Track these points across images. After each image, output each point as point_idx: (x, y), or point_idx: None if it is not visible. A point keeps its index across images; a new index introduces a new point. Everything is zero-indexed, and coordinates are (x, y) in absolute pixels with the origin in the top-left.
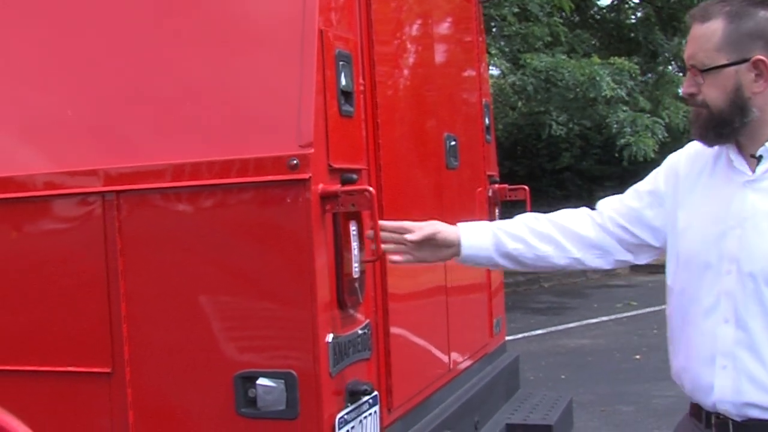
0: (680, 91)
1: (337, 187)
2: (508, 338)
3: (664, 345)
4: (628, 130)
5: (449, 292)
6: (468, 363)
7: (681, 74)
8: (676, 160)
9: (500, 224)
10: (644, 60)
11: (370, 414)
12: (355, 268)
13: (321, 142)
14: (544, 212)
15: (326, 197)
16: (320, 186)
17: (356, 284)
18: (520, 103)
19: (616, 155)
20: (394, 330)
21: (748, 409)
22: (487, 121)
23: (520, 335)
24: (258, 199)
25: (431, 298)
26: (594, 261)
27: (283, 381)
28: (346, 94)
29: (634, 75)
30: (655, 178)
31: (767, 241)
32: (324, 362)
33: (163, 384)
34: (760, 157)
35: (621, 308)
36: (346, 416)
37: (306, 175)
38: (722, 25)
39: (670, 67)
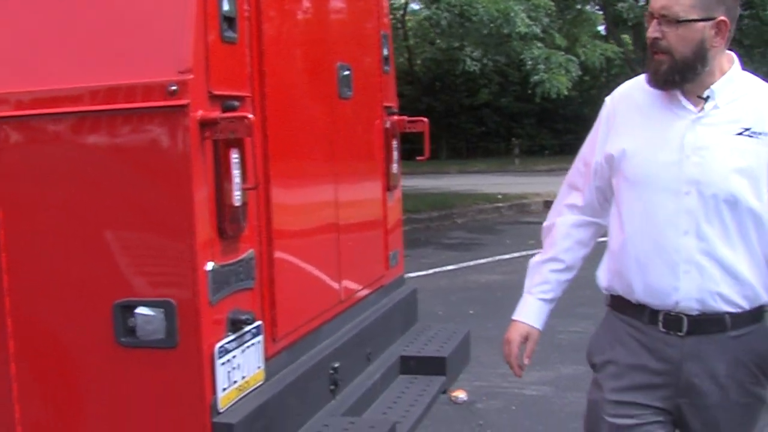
0: (601, 29)
1: (217, 113)
2: (419, 273)
3: (572, 281)
4: (542, 67)
5: (341, 226)
6: (361, 294)
7: (601, 13)
8: (609, 107)
9: (543, 291)
10: None
11: (254, 344)
12: (237, 196)
13: (201, 69)
14: (461, 148)
15: (206, 124)
16: (199, 113)
17: (238, 213)
18: (438, 39)
19: (530, 92)
20: (279, 260)
21: (711, 304)
22: (385, 51)
23: (431, 270)
24: (136, 126)
25: (321, 230)
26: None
27: (162, 310)
28: (229, 20)
29: (549, 12)
30: (598, 132)
31: (722, 166)
32: (203, 291)
33: (44, 313)
34: (707, 97)
35: (534, 245)
36: (226, 345)
37: (184, 101)
38: None
39: (588, 7)
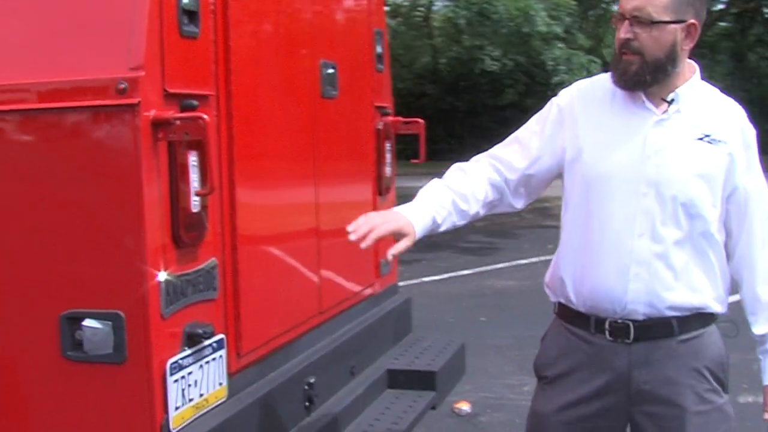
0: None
1: (170, 113)
2: (433, 278)
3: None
4: (563, 68)
5: (322, 232)
6: (345, 305)
7: None
8: (565, 103)
9: (434, 202)
10: None
11: (214, 359)
12: (195, 202)
13: (154, 65)
14: (485, 148)
15: (159, 124)
16: (152, 112)
17: (196, 219)
18: (464, 37)
19: (549, 93)
20: (245, 270)
21: (659, 308)
22: (379, 49)
23: (446, 275)
24: (85, 125)
25: (297, 237)
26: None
27: (110, 323)
28: (190, 14)
29: (571, 11)
30: (545, 125)
31: (683, 169)
32: (154, 303)
33: None
34: (672, 100)
35: (552, 249)
36: (181, 361)
37: (134, 100)
38: None
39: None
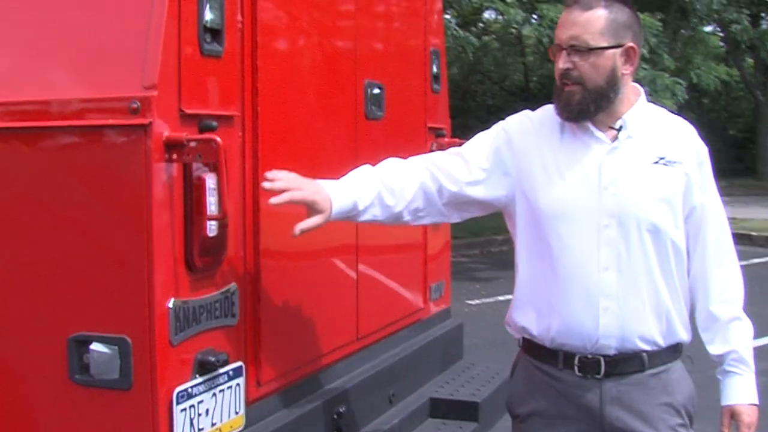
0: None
1: (182, 134)
2: (508, 297)
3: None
4: (647, 89)
5: (362, 256)
6: (388, 330)
7: (720, 34)
8: (514, 131)
9: (360, 187)
10: (674, 18)
11: (230, 387)
12: (211, 226)
13: (170, 85)
14: None
15: (172, 146)
16: (165, 133)
17: (212, 245)
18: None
19: None
20: (267, 296)
21: (630, 341)
22: (435, 69)
23: (504, 297)
24: (97, 145)
25: (331, 262)
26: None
27: (116, 347)
28: (213, 32)
29: (657, 32)
30: (493, 149)
31: (643, 195)
32: (162, 329)
33: (3, 344)
34: (620, 128)
35: None
36: (190, 389)
37: (146, 120)
38: (605, 14)
39: (708, 27)
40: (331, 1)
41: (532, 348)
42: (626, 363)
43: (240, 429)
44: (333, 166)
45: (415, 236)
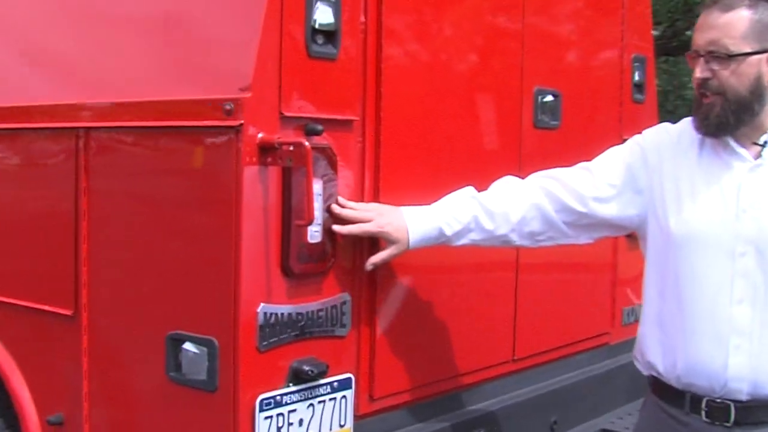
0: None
1: (274, 137)
2: None
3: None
4: None
5: (522, 269)
6: (558, 354)
7: None
8: (649, 145)
9: (449, 212)
10: None
11: (334, 399)
12: (314, 232)
13: (268, 87)
14: None
15: (267, 148)
16: (259, 135)
17: (315, 251)
18: None
19: None
20: (388, 308)
21: (765, 386)
22: (637, 77)
23: None
24: (194, 147)
25: (475, 274)
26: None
27: (206, 349)
28: (327, 34)
29: None
30: (625, 165)
31: None
32: (248, 334)
33: (112, 334)
34: (765, 143)
35: None
36: (279, 397)
37: (237, 122)
38: (748, 15)
39: None
40: (492, 2)
41: (659, 387)
42: (761, 411)
43: None
44: (486, 176)
45: (597, 255)
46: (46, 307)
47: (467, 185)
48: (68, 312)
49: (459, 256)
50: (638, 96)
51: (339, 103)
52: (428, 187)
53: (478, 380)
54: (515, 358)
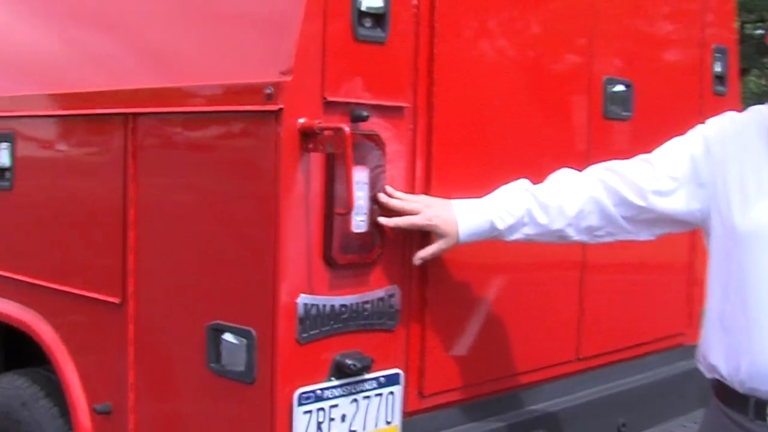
0: None
1: (314, 122)
2: None
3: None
4: None
5: (589, 266)
6: (628, 354)
7: None
8: (714, 135)
9: (501, 205)
10: None
11: (380, 395)
12: (359, 221)
13: (310, 71)
14: None
15: (310, 134)
16: (300, 120)
17: (360, 241)
18: None
19: None
20: (440, 302)
21: None
22: (718, 68)
23: None
24: (235, 132)
25: (534, 270)
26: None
27: (244, 340)
28: (376, 17)
29: None
30: (688, 156)
31: None
32: (287, 326)
33: (156, 324)
34: None
35: None
36: (319, 392)
37: (276, 107)
38: None
39: None
40: None
41: (722, 391)
42: None
43: None
44: (549, 169)
45: (672, 253)
46: (96, 295)
47: (526, 178)
48: (116, 300)
49: (519, 251)
50: (719, 88)
51: (388, 88)
52: (484, 179)
53: (538, 380)
54: (580, 357)
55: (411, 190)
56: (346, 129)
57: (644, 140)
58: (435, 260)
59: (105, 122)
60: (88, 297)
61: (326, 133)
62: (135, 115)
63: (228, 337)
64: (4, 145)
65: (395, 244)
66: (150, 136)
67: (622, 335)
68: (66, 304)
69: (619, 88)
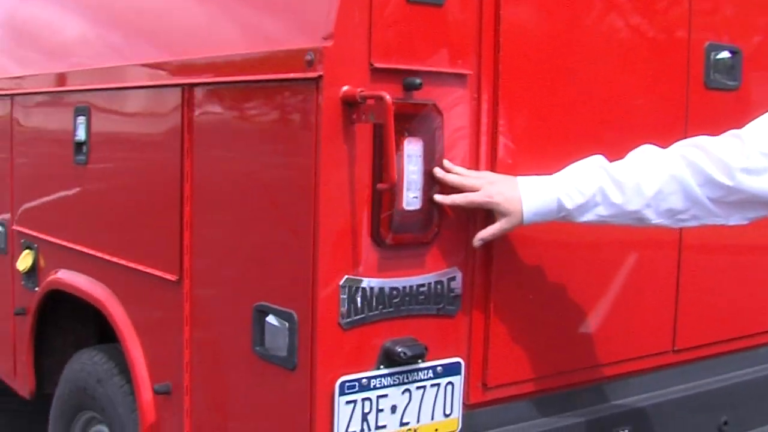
0: None
1: (356, 90)
2: None
3: None
4: None
5: (687, 249)
6: (732, 346)
7: None
8: None
9: (571, 182)
10: None
11: (437, 385)
12: (411, 198)
13: (355, 36)
14: None
15: (353, 104)
16: (343, 89)
17: (414, 219)
18: None
19: None
20: (508, 286)
21: None
22: None
23: None
24: (277, 102)
25: (617, 252)
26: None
27: (287, 323)
28: None
29: None
30: None
31: None
32: (329, 309)
33: (208, 303)
34: None
35: None
36: (365, 381)
37: (315, 73)
38: None
39: None
40: None
41: None
42: None
43: None
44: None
45: None
46: (158, 272)
47: (611, 157)
48: (174, 277)
49: (600, 226)
50: None
51: (447, 55)
52: (561, 157)
53: (624, 372)
54: (675, 349)
55: (475, 166)
56: (388, 97)
57: (753, 114)
58: (502, 239)
59: (164, 94)
60: (151, 274)
61: (369, 102)
62: (189, 85)
63: (271, 319)
64: (81, 119)
65: (456, 224)
66: (200, 107)
67: (726, 325)
68: (133, 281)
69: (724, 54)
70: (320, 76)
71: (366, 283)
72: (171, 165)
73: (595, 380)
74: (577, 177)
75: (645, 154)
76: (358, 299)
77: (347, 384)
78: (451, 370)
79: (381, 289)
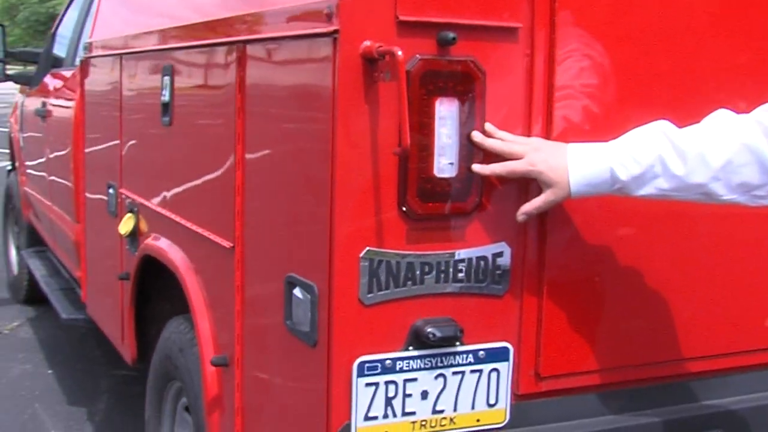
0: None
1: (374, 46)
2: None
3: None
4: None
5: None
6: None
7: None
8: None
9: (627, 150)
10: None
11: (479, 371)
12: (444, 164)
13: None
14: None
15: (374, 61)
16: (364, 44)
17: (447, 187)
18: None
19: None
20: (565, 264)
21: None
22: None
23: None
24: (301, 59)
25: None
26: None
27: (309, 297)
28: None
29: None
30: None
31: None
32: (347, 282)
33: (254, 272)
34: None
35: None
36: (389, 362)
37: (331, 27)
38: None
39: None
40: None
41: None
42: None
43: (500, 425)
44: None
45: None
46: (219, 239)
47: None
48: (229, 244)
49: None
50: None
51: (492, 5)
52: (630, 123)
53: (712, 369)
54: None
55: (527, 132)
56: (399, 53)
57: None
58: (559, 209)
59: (221, 53)
60: (213, 241)
61: (388, 58)
62: (241, 42)
63: (297, 292)
64: (166, 79)
65: (505, 194)
66: (248, 65)
67: None
68: (203, 248)
69: None
70: (336, 31)
71: (392, 256)
72: (228, 126)
73: (677, 376)
74: (634, 144)
75: (717, 119)
76: (382, 274)
77: (367, 365)
78: (496, 355)
79: (410, 264)
